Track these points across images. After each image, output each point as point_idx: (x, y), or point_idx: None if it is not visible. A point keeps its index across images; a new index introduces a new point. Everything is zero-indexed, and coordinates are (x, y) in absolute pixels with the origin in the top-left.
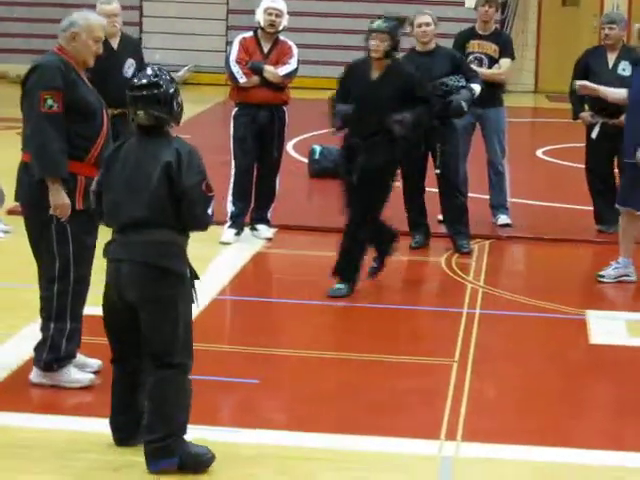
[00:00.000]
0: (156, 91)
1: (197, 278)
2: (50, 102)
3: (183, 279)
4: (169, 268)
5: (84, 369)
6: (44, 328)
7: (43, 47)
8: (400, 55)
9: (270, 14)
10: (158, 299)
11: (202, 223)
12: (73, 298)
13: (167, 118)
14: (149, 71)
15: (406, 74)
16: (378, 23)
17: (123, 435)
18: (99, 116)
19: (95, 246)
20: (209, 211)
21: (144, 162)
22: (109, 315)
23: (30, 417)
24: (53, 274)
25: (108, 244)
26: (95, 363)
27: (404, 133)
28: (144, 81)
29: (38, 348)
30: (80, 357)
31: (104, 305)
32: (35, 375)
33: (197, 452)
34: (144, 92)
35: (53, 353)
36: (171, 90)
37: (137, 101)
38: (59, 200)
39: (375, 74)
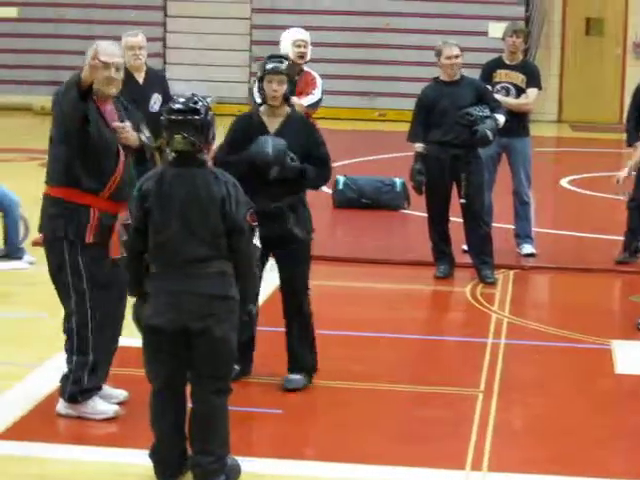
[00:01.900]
0: (196, 117)
1: None
2: None
3: (236, 306)
4: (227, 295)
5: (109, 400)
6: (67, 361)
7: (67, 79)
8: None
9: (299, 46)
10: (223, 326)
11: (248, 253)
12: (95, 331)
13: (202, 145)
14: (188, 96)
15: (309, 126)
16: (275, 64)
17: (169, 471)
18: (115, 151)
19: (111, 279)
20: (255, 241)
21: (198, 199)
22: (157, 346)
23: (58, 448)
24: (70, 307)
25: (153, 277)
26: (121, 394)
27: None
28: (183, 106)
29: (63, 380)
30: (106, 388)
31: (149, 335)
32: (61, 406)
33: (232, 464)
34: (183, 116)
35: (76, 385)
36: (209, 117)
37: (174, 125)
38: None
39: (273, 125)
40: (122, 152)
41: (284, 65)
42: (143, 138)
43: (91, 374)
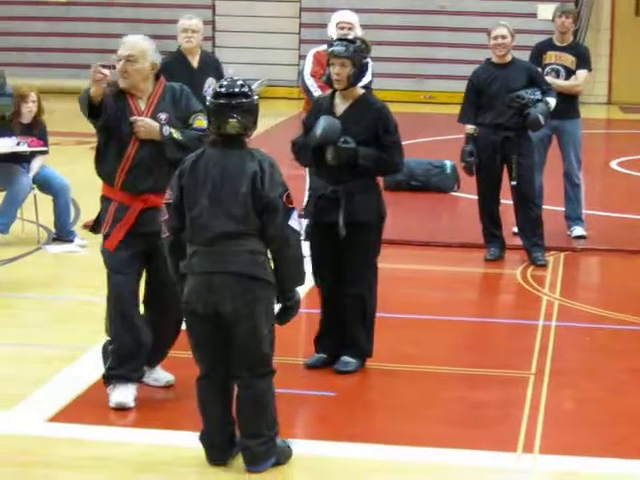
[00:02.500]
0: (246, 100)
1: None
2: None
3: (272, 286)
4: (261, 276)
5: (157, 382)
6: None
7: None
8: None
9: (342, 28)
10: (254, 308)
11: (282, 234)
12: (115, 318)
13: (252, 128)
14: (236, 80)
15: (378, 111)
16: (336, 47)
17: (220, 455)
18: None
19: (136, 268)
20: (291, 223)
21: (230, 175)
22: (197, 330)
23: (109, 430)
24: (108, 293)
25: (189, 258)
26: (169, 377)
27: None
28: (232, 89)
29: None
30: (157, 370)
31: (189, 320)
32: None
33: (281, 446)
34: (237, 100)
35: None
36: (256, 101)
37: (227, 109)
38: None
39: (341, 108)
40: (135, 142)
41: (343, 48)
42: (165, 133)
43: (108, 359)
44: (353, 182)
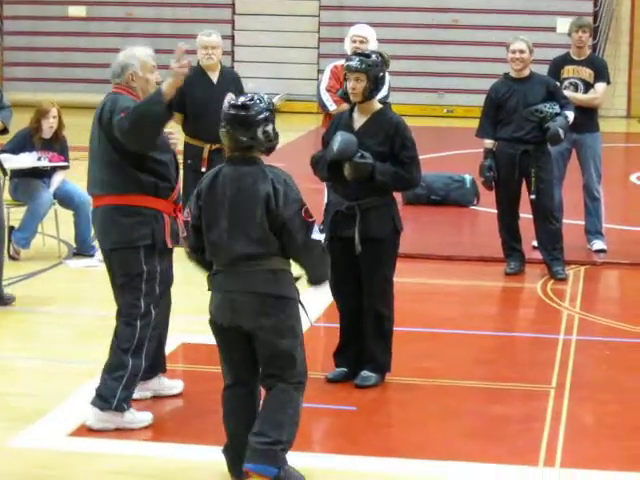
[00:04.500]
0: (243, 113)
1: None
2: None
3: (294, 303)
4: (282, 295)
5: (169, 391)
6: (116, 366)
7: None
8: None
9: (354, 41)
10: (274, 326)
11: (306, 250)
12: (149, 342)
13: (250, 143)
14: (248, 95)
15: (396, 126)
16: (352, 62)
17: (241, 467)
18: (169, 153)
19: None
20: (314, 236)
21: (245, 197)
22: (221, 341)
23: (129, 444)
24: (140, 311)
25: (212, 276)
26: (178, 384)
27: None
28: (247, 102)
29: (100, 389)
30: (164, 380)
31: (214, 332)
32: (94, 421)
33: (295, 475)
34: (249, 112)
35: (127, 391)
36: (259, 116)
37: (241, 121)
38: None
39: (359, 122)
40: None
41: (358, 63)
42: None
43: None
44: (369, 198)
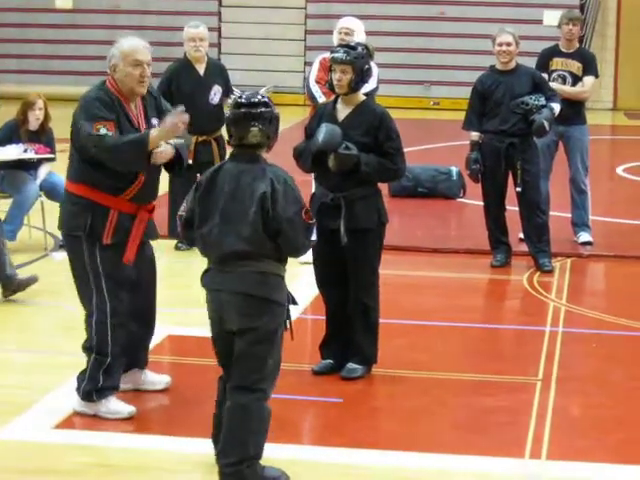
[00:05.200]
0: (268, 109)
1: (295, 303)
2: (104, 131)
3: (282, 309)
4: (269, 298)
5: (153, 386)
6: (87, 358)
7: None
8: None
9: (340, 33)
10: (256, 328)
11: (304, 250)
12: (116, 330)
13: (273, 138)
14: (251, 92)
15: (380, 118)
16: (337, 53)
17: None
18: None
19: (129, 279)
20: (312, 238)
21: (241, 194)
22: (215, 338)
23: (117, 437)
24: (91, 306)
25: (205, 273)
26: (164, 380)
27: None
28: (253, 99)
29: (79, 376)
30: (149, 374)
31: (211, 329)
32: (76, 403)
33: (272, 476)
34: (259, 109)
35: (91, 383)
36: (276, 111)
37: (250, 118)
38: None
39: (343, 114)
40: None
41: (344, 54)
42: (172, 142)
43: (106, 374)
44: (354, 190)
